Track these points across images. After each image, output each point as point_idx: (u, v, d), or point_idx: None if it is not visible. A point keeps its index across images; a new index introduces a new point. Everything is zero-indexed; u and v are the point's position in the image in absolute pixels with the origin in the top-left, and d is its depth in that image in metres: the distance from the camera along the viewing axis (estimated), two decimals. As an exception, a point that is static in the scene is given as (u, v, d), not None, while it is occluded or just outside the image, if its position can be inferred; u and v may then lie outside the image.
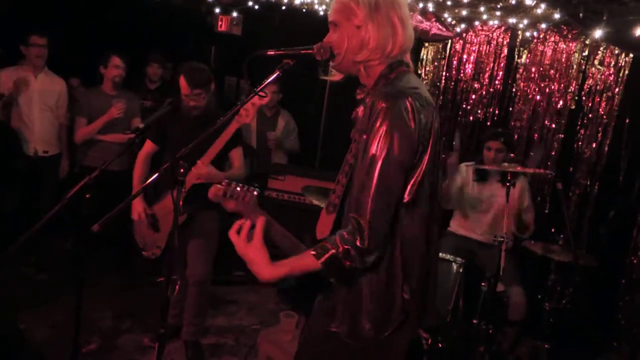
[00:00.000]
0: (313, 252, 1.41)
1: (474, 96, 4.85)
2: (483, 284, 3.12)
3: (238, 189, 1.61)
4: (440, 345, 2.87)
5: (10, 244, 2.05)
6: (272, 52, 1.65)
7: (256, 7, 5.24)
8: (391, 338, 1.51)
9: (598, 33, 3.20)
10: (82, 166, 4.10)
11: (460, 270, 3.10)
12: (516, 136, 4.50)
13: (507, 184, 3.02)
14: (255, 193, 1.65)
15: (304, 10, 5.10)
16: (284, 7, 5.20)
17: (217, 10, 5.41)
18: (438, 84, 5.01)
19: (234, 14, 5.40)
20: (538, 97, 4.48)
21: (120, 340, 3.34)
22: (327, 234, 1.61)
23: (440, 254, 3.18)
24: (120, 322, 3.54)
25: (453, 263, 3.12)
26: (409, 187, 1.46)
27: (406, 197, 1.47)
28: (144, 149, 3.17)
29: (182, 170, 1.88)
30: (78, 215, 2.17)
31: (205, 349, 3.31)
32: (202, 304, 3.21)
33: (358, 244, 1.38)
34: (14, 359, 2.73)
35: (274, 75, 1.66)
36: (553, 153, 4.41)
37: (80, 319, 2.25)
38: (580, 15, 3.04)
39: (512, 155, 3.34)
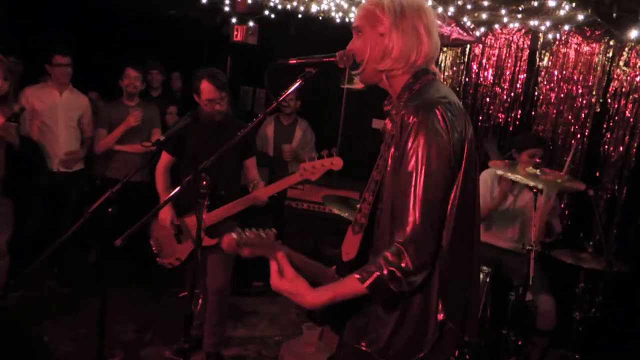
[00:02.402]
0: (357, 276, 1.37)
1: (494, 101, 4.77)
2: (511, 293, 3.03)
3: (252, 236, 1.53)
4: (467, 357, 2.79)
5: (33, 257, 2.05)
6: (294, 61, 1.62)
7: (272, 16, 5.23)
8: (427, 358, 1.45)
9: (634, 33, 3.08)
10: (104, 178, 4.13)
11: (487, 280, 3.02)
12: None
13: (535, 190, 2.93)
14: (271, 235, 1.57)
15: (320, 18, 5.08)
16: (300, 16, 5.18)
17: (233, 20, 5.42)
18: (457, 89, 4.95)
19: (250, 24, 5.41)
20: (561, 100, 4.39)
21: (142, 353, 3.32)
22: (353, 254, 1.57)
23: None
24: (143, 334, 3.53)
25: (480, 272, 3.04)
26: (450, 201, 1.41)
27: (447, 212, 1.41)
28: (162, 161, 3.17)
29: (204, 182, 1.86)
30: (100, 229, 2.16)
31: (227, 361, 3.29)
32: (222, 314, 3.19)
33: (403, 265, 1.33)
34: (38, 373, 2.74)
35: (297, 84, 1.63)
36: (569, 155, 4.29)
37: (103, 332, 2.23)
38: (614, 15, 2.95)
39: (537, 160, 3.24)
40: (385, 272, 1.34)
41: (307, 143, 4.73)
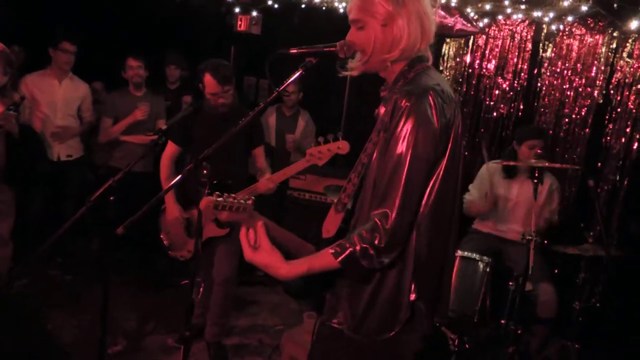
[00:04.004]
0: (332, 251, 1.39)
1: (497, 92, 4.76)
2: (511, 283, 3.05)
3: (230, 199, 1.56)
4: (467, 346, 2.82)
5: (36, 246, 2.06)
6: (295, 51, 1.63)
7: (275, 6, 5.22)
8: (400, 336, 1.48)
9: (634, 24, 3.08)
10: (108, 167, 4.14)
11: (487, 270, 3.04)
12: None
13: (535, 180, 2.94)
14: (249, 202, 1.59)
15: (323, 8, 5.06)
16: (303, 6, 5.17)
17: (237, 9, 5.41)
18: (460, 80, 4.93)
19: (254, 14, 5.39)
20: (564, 92, 4.37)
21: (145, 341, 3.35)
22: (333, 232, 1.60)
23: (466, 252, 3.13)
24: (145, 323, 3.56)
25: (479, 262, 3.06)
26: (431, 186, 1.43)
27: (425, 196, 1.43)
28: (167, 151, 3.17)
29: (205, 171, 1.87)
30: (103, 218, 2.17)
31: (228, 350, 3.31)
32: (226, 305, 3.20)
33: (376, 242, 1.35)
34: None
35: (297, 74, 1.64)
36: (580, 149, 4.30)
37: (106, 320, 2.26)
38: (615, 5, 2.94)
39: (538, 151, 3.25)
40: (358, 248, 1.36)
41: (309, 134, 4.74)
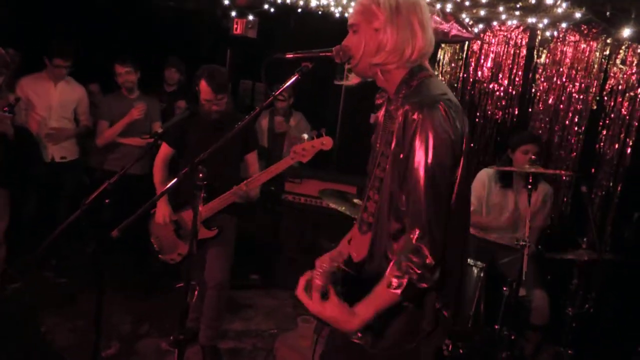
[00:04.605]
0: (391, 287, 1.38)
1: (492, 97, 4.78)
2: (504, 288, 3.06)
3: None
4: (461, 352, 2.82)
5: (29, 248, 2.06)
6: (291, 56, 1.64)
7: (272, 10, 5.24)
8: (418, 347, 1.48)
9: (626, 32, 3.12)
10: (103, 170, 4.13)
11: (482, 275, 3.04)
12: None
13: (529, 186, 2.96)
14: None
15: (319, 12, 5.08)
16: (299, 10, 5.19)
17: (233, 13, 5.42)
18: (455, 85, 4.96)
19: (250, 17, 5.41)
20: (558, 98, 4.40)
21: (139, 345, 3.34)
22: (364, 254, 1.58)
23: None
24: (139, 326, 3.55)
25: (474, 267, 3.06)
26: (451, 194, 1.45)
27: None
28: (161, 153, 3.17)
29: (200, 174, 1.87)
30: (98, 220, 2.17)
31: (223, 354, 3.31)
32: (220, 309, 3.20)
33: (428, 262, 1.36)
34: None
35: (293, 79, 1.64)
36: (574, 155, 4.33)
37: (100, 323, 2.25)
38: (607, 13, 2.97)
39: (532, 157, 3.27)
40: (414, 275, 1.36)
41: (302, 131, 4.73)
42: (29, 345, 2.92)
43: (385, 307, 1.40)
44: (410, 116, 1.39)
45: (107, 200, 2.10)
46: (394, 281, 1.37)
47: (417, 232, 1.37)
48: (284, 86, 1.67)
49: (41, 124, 3.91)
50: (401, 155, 1.43)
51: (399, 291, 1.36)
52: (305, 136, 2.78)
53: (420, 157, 1.37)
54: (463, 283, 1.57)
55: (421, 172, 1.37)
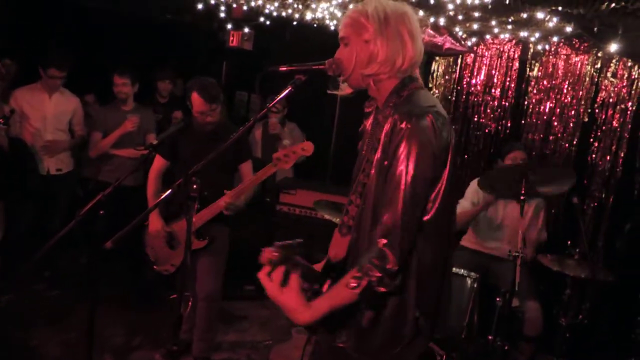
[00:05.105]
0: (350, 285, 1.40)
1: (485, 110, 4.83)
2: (498, 299, 3.07)
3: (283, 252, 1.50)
4: (455, 362, 2.82)
5: (23, 260, 2.06)
6: (285, 68, 1.66)
7: (267, 22, 5.28)
8: (401, 354, 1.49)
9: (613, 47, 3.18)
10: (98, 181, 4.12)
11: (475, 286, 3.05)
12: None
13: (522, 197, 2.98)
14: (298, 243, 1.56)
15: (314, 25, 5.13)
16: (295, 23, 5.24)
17: (229, 26, 5.47)
18: (449, 97, 5.01)
19: (245, 30, 5.46)
20: (551, 110, 4.45)
21: (131, 357, 3.32)
22: (341, 255, 1.61)
23: (454, 268, 3.14)
24: (132, 338, 3.53)
25: (467, 278, 3.08)
26: (432, 203, 1.46)
27: (428, 212, 1.46)
28: (155, 165, 3.18)
29: (194, 186, 1.88)
30: (92, 232, 2.18)
31: (217, 366, 3.29)
32: (211, 320, 3.19)
33: (389, 267, 1.38)
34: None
35: (287, 91, 1.66)
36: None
37: (92, 335, 2.24)
38: (595, 29, 3.03)
39: (519, 162, 3.30)
40: (373, 278, 1.38)
41: (297, 139, 4.75)
42: (20, 359, 2.90)
43: (342, 305, 1.42)
44: (399, 125, 1.41)
45: (101, 212, 2.10)
46: (352, 281, 1.39)
47: (387, 238, 1.39)
48: (277, 98, 1.69)
49: (35, 136, 3.90)
50: (385, 162, 1.45)
51: (357, 291, 1.39)
52: (287, 142, 2.80)
53: (403, 166, 1.39)
54: (444, 293, 1.58)
55: (402, 181, 1.39)
